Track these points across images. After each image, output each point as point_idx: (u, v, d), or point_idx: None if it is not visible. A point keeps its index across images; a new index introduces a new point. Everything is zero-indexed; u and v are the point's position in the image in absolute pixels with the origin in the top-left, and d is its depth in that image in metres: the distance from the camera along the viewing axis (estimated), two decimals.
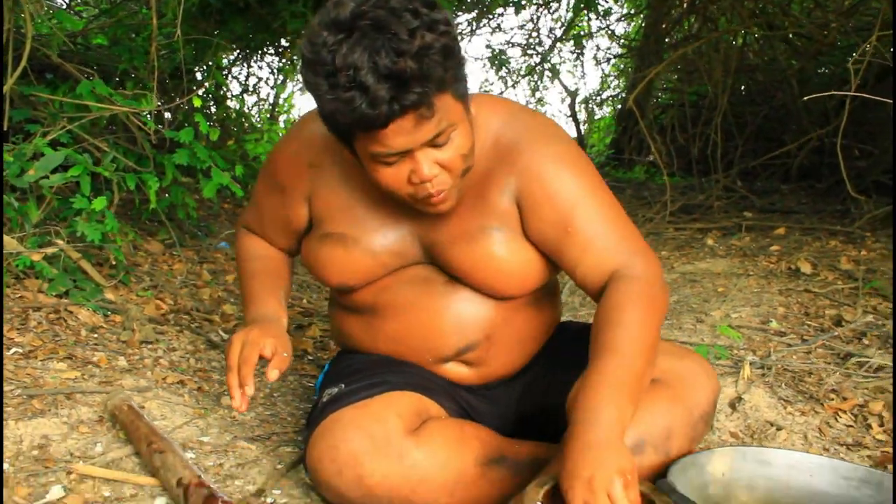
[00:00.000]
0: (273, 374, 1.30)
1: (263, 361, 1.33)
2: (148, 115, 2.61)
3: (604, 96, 7.11)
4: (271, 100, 6.12)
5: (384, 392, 1.33)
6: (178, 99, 3.25)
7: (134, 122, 2.66)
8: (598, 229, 1.32)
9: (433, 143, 1.19)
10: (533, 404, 1.48)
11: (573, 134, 6.73)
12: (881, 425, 1.76)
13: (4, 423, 1.45)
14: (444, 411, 1.40)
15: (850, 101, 2.73)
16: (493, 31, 7.49)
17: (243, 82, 5.40)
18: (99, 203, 2.23)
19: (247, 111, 5.53)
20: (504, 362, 1.48)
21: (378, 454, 1.25)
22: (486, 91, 6.75)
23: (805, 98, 2.47)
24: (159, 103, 2.95)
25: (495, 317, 1.41)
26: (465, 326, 1.40)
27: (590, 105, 6.80)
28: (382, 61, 1.07)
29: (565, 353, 1.48)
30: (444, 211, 1.28)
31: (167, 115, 3.77)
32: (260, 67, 5.48)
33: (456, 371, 1.46)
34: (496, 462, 1.31)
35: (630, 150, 5.00)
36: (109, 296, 2.30)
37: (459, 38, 1.23)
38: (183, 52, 3.29)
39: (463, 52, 1.21)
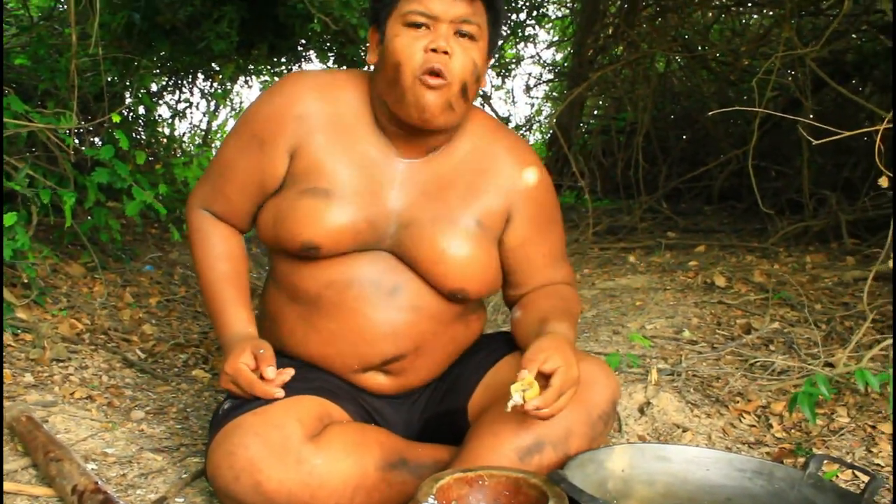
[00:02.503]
0: (270, 371, 1.36)
1: None
2: (68, 134, 2.58)
3: (535, 124, 7.23)
4: (204, 126, 6.07)
5: (285, 397, 1.34)
6: (100, 119, 3.21)
7: (53, 141, 2.62)
8: (558, 254, 1.58)
9: (459, 31, 1.35)
10: (435, 408, 1.50)
11: None
12: (781, 423, 1.82)
13: None
14: (348, 415, 1.40)
15: (761, 124, 2.86)
16: None
17: (173, 107, 5.34)
18: (9, 219, 2.18)
19: (177, 136, 5.47)
20: (422, 375, 1.49)
21: (275, 460, 1.24)
22: None
23: (711, 113, 2.57)
24: (80, 122, 2.91)
25: (427, 329, 1.43)
26: (399, 335, 1.41)
27: (522, 131, 6.91)
28: None
29: (466, 359, 1.51)
30: (431, 107, 1.34)
31: (97, 140, 3.71)
32: (192, 93, 5.42)
33: (373, 381, 1.47)
34: (396, 466, 1.32)
35: (560, 175, 5.11)
36: (21, 315, 2.25)
37: None
38: (107, 73, 3.26)
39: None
